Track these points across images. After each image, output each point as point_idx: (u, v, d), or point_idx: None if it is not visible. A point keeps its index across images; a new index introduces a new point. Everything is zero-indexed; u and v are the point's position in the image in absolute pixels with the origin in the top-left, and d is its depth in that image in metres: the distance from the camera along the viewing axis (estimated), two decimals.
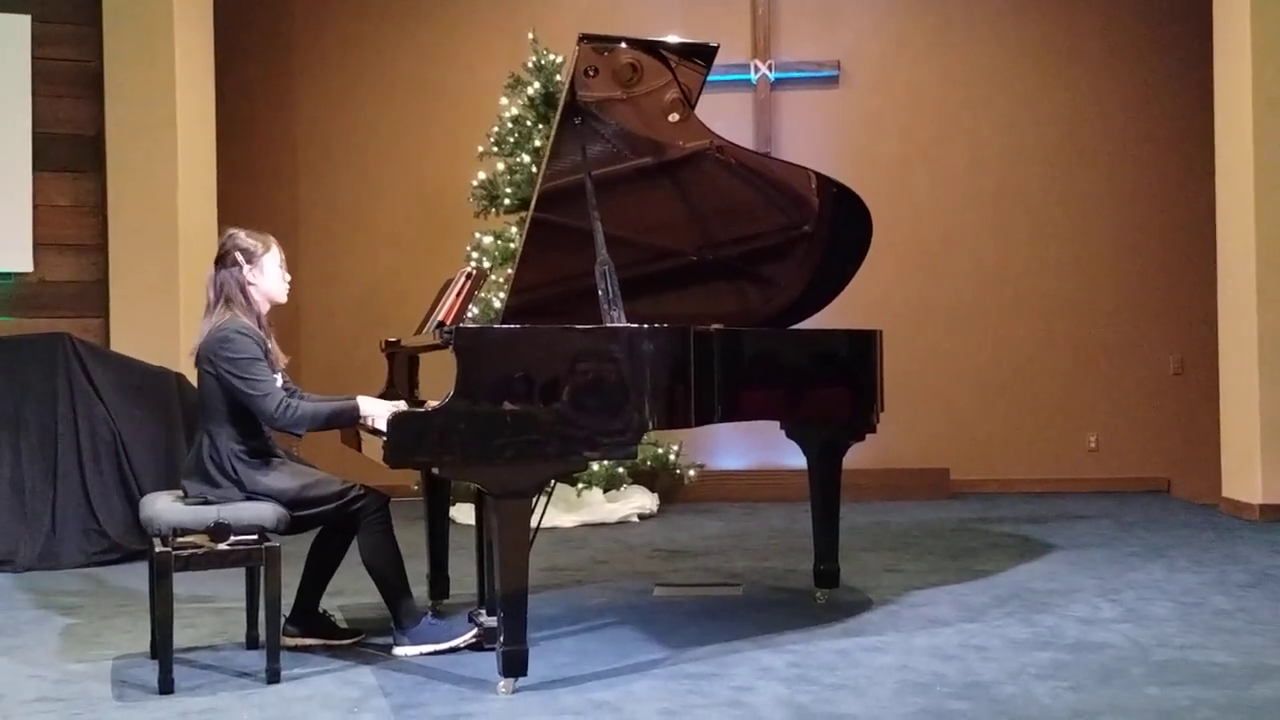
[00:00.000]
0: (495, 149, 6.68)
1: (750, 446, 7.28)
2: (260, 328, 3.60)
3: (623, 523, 6.44)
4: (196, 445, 3.57)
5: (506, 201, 6.60)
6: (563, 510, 6.32)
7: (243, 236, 3.65)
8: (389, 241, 7.64)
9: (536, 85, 6.61)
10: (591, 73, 3.66)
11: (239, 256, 3.60)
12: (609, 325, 3.36)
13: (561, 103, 3.70)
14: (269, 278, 3.65)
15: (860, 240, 4.31)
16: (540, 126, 6.60)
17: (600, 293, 3.47)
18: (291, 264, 3.78)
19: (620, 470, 6.58)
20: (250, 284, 3.61)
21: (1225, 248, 6.44)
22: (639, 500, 6.65)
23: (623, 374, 3.25)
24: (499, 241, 6.54)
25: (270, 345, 3.60)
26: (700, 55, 3.79)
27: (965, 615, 4.00)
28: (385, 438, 3.16)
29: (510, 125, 6.65)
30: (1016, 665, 3.36)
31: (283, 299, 3.72)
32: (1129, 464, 7.41)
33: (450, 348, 3.16)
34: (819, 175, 4.23)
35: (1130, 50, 7.47)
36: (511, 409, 3.14)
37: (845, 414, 4.07)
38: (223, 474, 3.48)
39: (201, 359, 3.53)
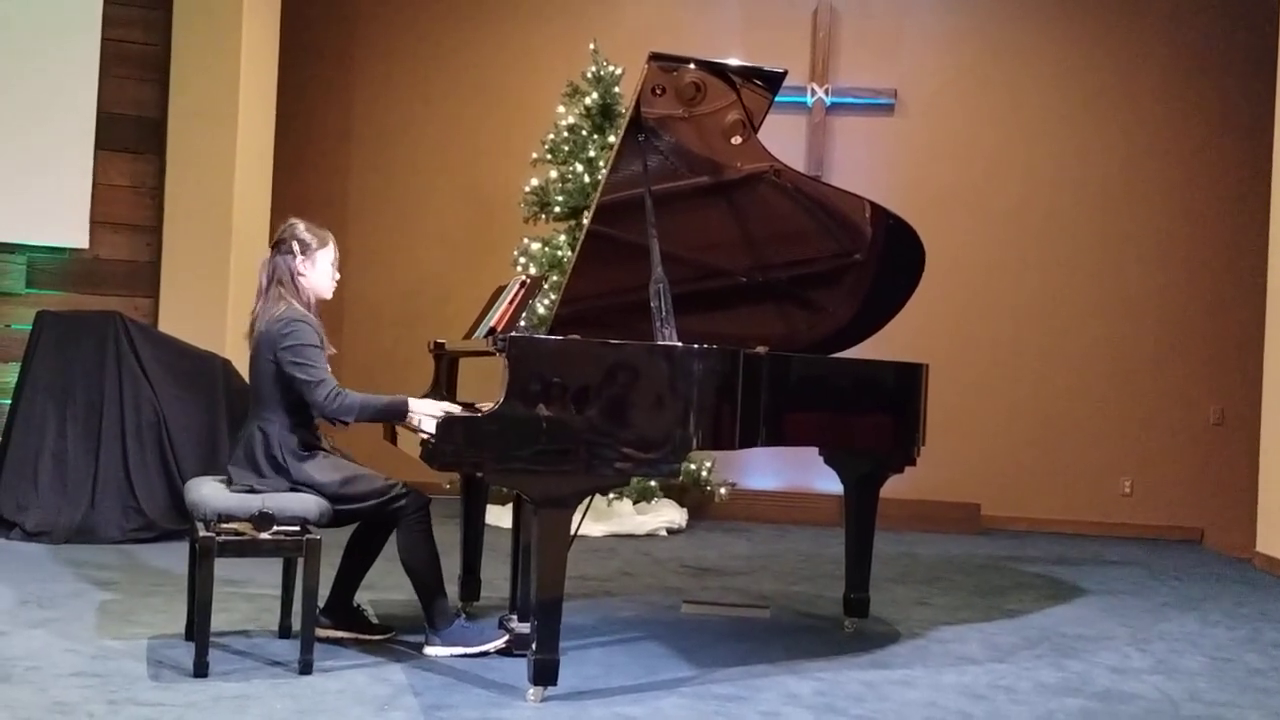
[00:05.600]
0: (549, 156, 6.72)
1: (782, 467, 7.28)
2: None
3: (651, 535, 6.45)
4: (246, 434, 3.62)
5: (557, 209, 6.64)
6: (591, 519, 6.33)
7: (302, 228, 3.71)
8: (437, 240, 7.69)
9: (594, 96, 6.65)
10: (659, 91, 3.70)
11: (295, 246, 3.67)
12: (662, 343, 3.38)
13: (626, 118, 3.73)
14: (319, 273, 3.70)
15: (911, 273, 4.31)
16: (595, 137, 6.64)
17: (653, 309, 3.49)
18: (339, 257, 3.82)
19: (652, 483, 6.59)
20: (300, 274, 3.67)
21: (1274, 301, 6.38)
22: (668, 514, 6.66)
23: (672, 392, 3.27)
24: (546, 248, 6.58)
25: (324, 336, 3.65)
26: (766, 80, 3.82)
27: (994, 655, 3.99)
28: (432, 439, 3.19)
29: (566, 133, 6.69)
30: (1045, 711, 3.35)
31: (328, 296, 3.77)
32: (1162, 512, 7.35)
33: (503, 355, 3.19)
34: (874, 205, 4.23)
35: (1188, 96, 7.43)
36: (560, 419, 3.17)
37: (886, 446, 4.07)
38: (271, 464, 3.52)
39: (262, 346, 3.58)
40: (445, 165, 7.73)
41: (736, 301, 4.34)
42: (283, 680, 3.30)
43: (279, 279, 3.65)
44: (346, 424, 3.58)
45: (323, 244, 3.72)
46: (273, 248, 3.72)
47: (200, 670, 3.28)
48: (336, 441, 3.84)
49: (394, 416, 3.62)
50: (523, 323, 3.88)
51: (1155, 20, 7.46)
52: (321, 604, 3.65)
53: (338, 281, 3.81)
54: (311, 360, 3.52)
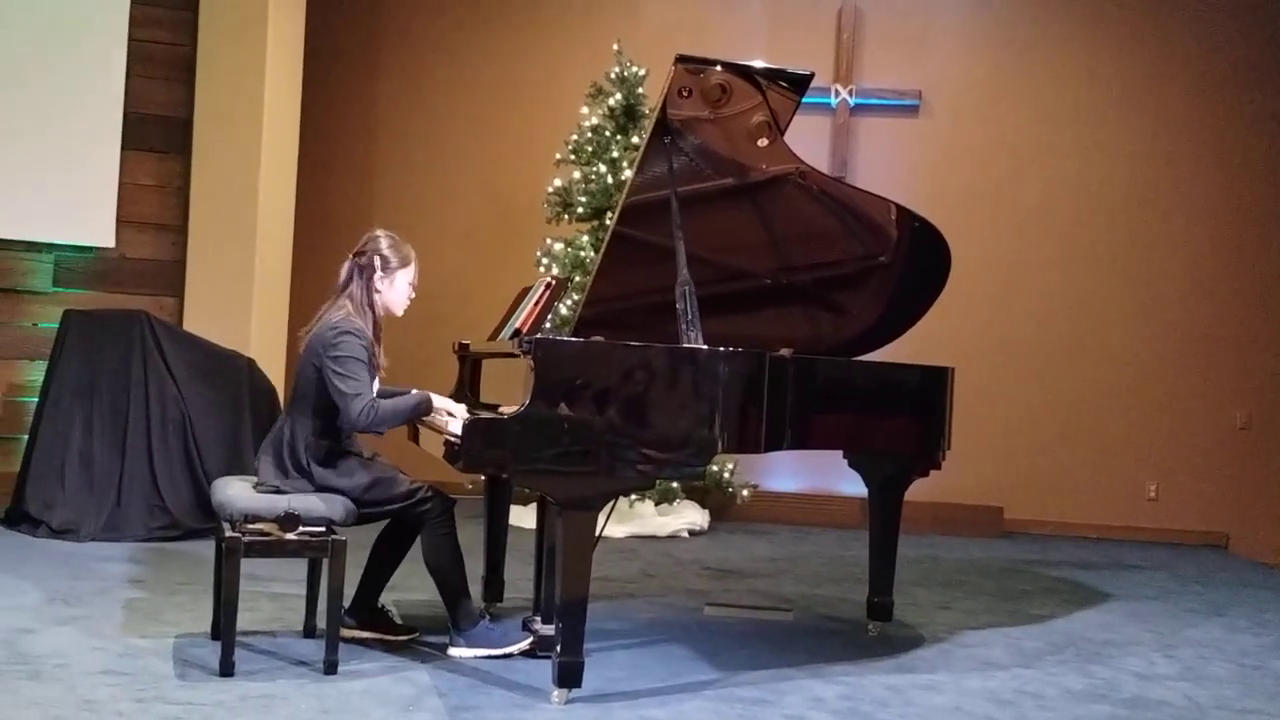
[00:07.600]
0: (572, 157, 6.72)
1: (804, 470, 7.26)
2: (372, 330, 3.63)
3: (673, 537, 6.44)
4: (277, 430, 3.64)
5: (580, 210, 6.64)
6: (614, 520, 6.30)
7: (385, 244, 3.69)
8: (459, 241, 7.70)
9: (618, 96, 6.64)
10: (685, 93, 3.70)
11: (376, 260, 3.65)
12: (687, 346, 3.37)
13: (653, 121, 3.73)
14: (396, 291, 3.70)
15: (937, 276, 4.30)
16: (619, 138, 6.64)
17: (679, 312, 3.48)
18: (418, 277, 3.80)
19: (674, 485, 6.59)
20: (376, 290, 3.66)
21: None
22: (690, 516, 6.65)
23: (698, 395, 3.27)
24: (569, 249, 6.58)
25: (376, 350, 3.64)
26: (793, 82, 3.81)
27: (1020, 660, 3.97)
28: (458, 442, 3.20)
29: (589, 134, 6.69)
30: (1073, 717, 3.33)
31: (399, 313, 3.76)
32: (1188, 516, 7.29)
33: (528, 357, 3.19)
34: (900, 207, 4.22)
35: (1216, 97, 7.37)
36: (585, 421, 3.16)
37: (911, 449, 4.05)
38: (295, 466, 3.53)
39: (310, 349, 3.59)
40: (468, 166, 7.73)
41: (762, 304, 4.33)
42: (308, 680, 3.31)
43: (351, 288, 3.64)
44: (380, 433, 3.58)
45: (404, 263, 3.69)
46: (353, 255, 3.69)
47: (226, 669, 3.29)
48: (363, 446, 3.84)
49: (420, 414, 3.61)
50: (548, 324, 3.87)
51: (1184, 22, 7.41)
52: (347, 604, 3.66)
53: (411, 300, 3.78)
54: (352, 373, 3.48)
